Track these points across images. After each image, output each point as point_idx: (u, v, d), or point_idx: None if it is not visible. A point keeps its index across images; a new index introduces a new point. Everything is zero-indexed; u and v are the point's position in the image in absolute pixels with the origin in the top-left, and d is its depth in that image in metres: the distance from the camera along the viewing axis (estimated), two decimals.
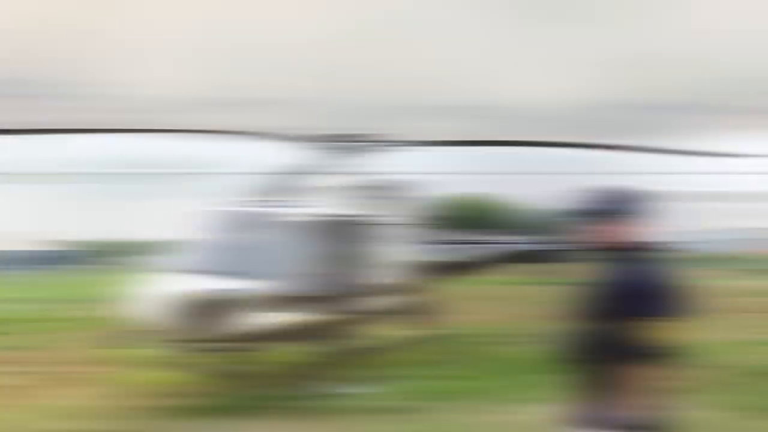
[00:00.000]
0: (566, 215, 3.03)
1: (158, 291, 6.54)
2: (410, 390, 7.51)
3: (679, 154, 9.78)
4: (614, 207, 2.89)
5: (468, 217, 48.18)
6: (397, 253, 8.73)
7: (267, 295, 6.75)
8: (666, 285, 2.75)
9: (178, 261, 6.93)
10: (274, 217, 7.25)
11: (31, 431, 6.31)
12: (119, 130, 9.00)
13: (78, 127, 8.78)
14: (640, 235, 2.91)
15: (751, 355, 9.39)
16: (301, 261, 7.34)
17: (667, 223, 3.00)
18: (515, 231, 15.58)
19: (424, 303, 10.01)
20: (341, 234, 8.52)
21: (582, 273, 3.01)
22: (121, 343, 6.80)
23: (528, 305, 17.74)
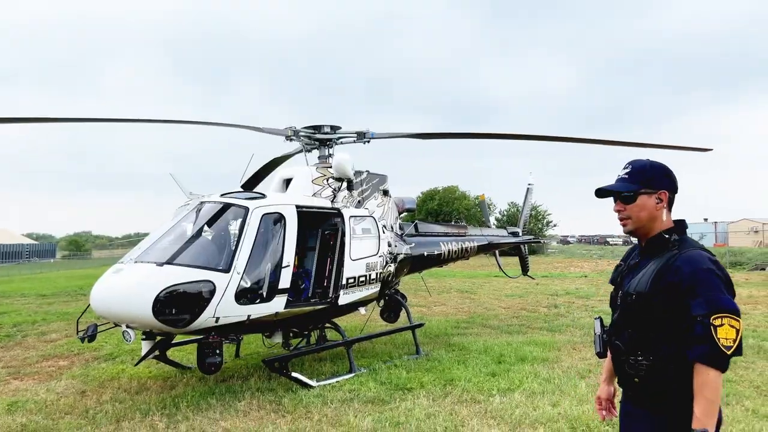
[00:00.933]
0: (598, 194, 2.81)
1: (125, 283, 6.41)
2: (384, 380, 7.53)
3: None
4: (647, 183, 2.66)
5: (443, 210, 48.27)
6: (371, 245, 8.71)
7: (237, 286, 6.67)
8: (724, 273, 2.50)
9: (144, 253, 6.79)
10: (242, 208, 7.15)
11: None
12: None
13: None
14: (669, 213, 2.70)
15: None
16: (272, 252, 7.27)
17: None
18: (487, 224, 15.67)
19: (397, 294, 10.04)
20: (312, 225, 8.48)
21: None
22: (88, 336, 6.65)
23: (499, 297, 17.95)
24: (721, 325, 2.32)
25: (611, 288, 2.92)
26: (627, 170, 2.72)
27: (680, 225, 2.68)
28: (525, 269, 15.06)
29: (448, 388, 7.20)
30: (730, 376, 7.51)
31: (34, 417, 6.32)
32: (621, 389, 2.83)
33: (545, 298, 17.14)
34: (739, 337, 2.33)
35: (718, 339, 2.31)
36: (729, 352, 2.31)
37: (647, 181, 2.66)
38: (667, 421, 2.46)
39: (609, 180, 2.84)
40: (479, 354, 9.06)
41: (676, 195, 2.71)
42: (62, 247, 76.59)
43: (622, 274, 2.81)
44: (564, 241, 77.66)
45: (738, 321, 2.35)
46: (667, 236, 2.62)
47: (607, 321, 2.92)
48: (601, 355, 2.82)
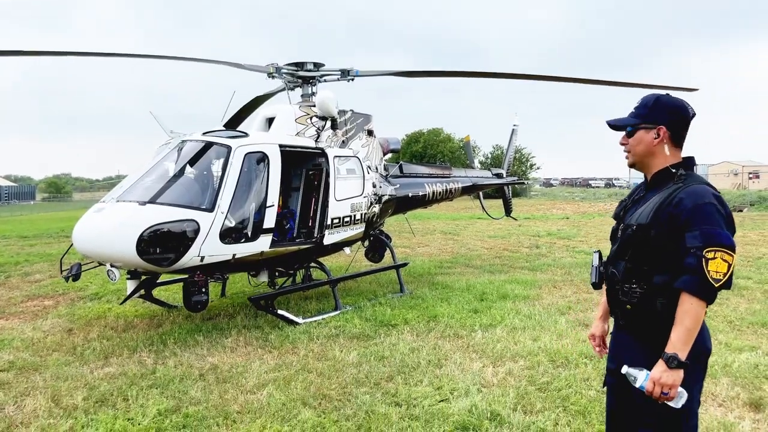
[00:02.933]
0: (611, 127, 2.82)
1: (109, 222, 6.36)
2: (369, 317, 7.67)
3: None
4: (654, 115, 2.67)
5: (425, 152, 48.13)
6: (355, 186, 8.68)
7: (221, 226, 6.65)
8: (726, 210, 2.52)
9: (126, 192, 6.70)
10: (225, 147, 7.04)
11: None
12: None
13: None
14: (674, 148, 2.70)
15: None
16: (256, 192, 7.22)
17: None
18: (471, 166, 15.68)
19: (382, 235, 10.10)
20: (296, 165, 8.41)
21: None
22: (72, 275, 6.64)
23: (482, 238, 18.15)
24: (714, 258, 2.34)
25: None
26: (636, 105, 2.76)
27: (688, 161, 2.70)
28: (508, 210, 15.19)
29: (432, 324, 7.36)
30: None
31: (21, 354, 6.37)
32: (613, 319, 2.88)
33: (527, 239, 17.37)
34: (730, 271, 2.36)
35: (708, 271, 2.34)
36: (717, 285, 2.35)
37: (647, 116, 2.68)
38: (651, 347, 2.52)
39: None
40: (462, 292, 9.23)
41: (684, 131, 2.70)
42: (42, 190, 75.52)
43: (625, 209, 2.84)
44: (547, 183, 78.17)
45: (731, 256, 2.37)
46: (674, 170, 2.64)
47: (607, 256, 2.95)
48: (596, 285, 2.88)
